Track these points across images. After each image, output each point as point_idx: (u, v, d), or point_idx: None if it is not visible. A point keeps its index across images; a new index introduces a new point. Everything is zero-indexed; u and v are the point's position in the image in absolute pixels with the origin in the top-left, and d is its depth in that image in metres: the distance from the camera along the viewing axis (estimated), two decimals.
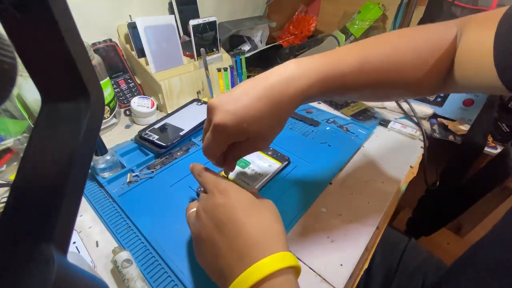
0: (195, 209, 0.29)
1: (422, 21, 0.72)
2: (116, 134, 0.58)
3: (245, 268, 0.21)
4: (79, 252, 0.34)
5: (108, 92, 0.56)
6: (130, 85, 0.67)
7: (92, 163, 0.41)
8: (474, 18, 0.33)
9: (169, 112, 0.61)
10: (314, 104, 0.68)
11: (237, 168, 0.45)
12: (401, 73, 0.33)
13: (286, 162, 0.47)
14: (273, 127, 0.30)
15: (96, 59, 0.53)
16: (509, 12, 0.28)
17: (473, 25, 0.32)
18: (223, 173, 0.44)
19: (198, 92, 0.68)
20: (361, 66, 0.31)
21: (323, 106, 0.68)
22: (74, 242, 0.35)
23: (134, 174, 0.45)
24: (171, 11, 0.71)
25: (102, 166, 0.43)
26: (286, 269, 0.21)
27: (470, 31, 0.32)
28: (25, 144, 0.17)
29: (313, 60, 0.30)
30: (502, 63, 0.28)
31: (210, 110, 0.28)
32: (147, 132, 0.52)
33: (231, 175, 0.44)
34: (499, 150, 0.61)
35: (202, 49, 0.60)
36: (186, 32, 0.71)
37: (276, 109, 0.28)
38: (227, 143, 0.29)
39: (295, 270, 0.23)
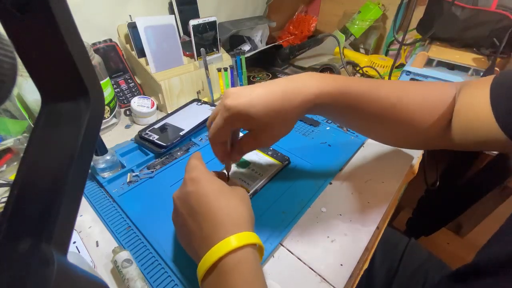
0: None
1: (422, 21, 0.72)
2: (116, 134, 0.58)
3: (210, 248, 0.24)
4: (79, 252, 0.34)
5: (108, 92, 0.56)
6: (130, 85, 0.67)
7: (92, 163, 0.41)
8: (470, 82, 0.37)
9: (169, 112, 0.61)
10: None
11: (237, 168, 0.45)
12: (408, 112, 0.36)
13: (286, 162, 0.47)
14: (279, 123, 0.31)
15: (96, 59, 0.53)
16: (498, 75, 0.33)
17: (469, 86, 0.36)
18: (224, 170, 0.44)
19: (198, 92, 0.68)
20: (372, 91, 0.35)
21: None
22: (74, 242, 0.35)
23: (134, 174, 0.45)
24: (171, 11, 0.71)
25: (102, 166, 0.43)
26: (246, 245, 0.24)
27: (466, 90, 0.36)
28: (25, 144, 0.17)
29: (329, 76, 0.33)
30: (498, 110, 0.31)
31: (225, 95, 0.30)
32: (147, 132, 0.52)
33: (232, 175, 0.44)
34: None
35: (202, 49, 0.60)
36: (186, 32, 0.71)
37: (285, 105, 0.30)
38: (231, 126, 0.30)
39: (258, 248, 0.26)
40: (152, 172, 0.46)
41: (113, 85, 0.61)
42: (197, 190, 0.27)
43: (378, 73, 0.76)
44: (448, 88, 0.37)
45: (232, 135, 0.34)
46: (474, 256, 0.36)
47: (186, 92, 0.65)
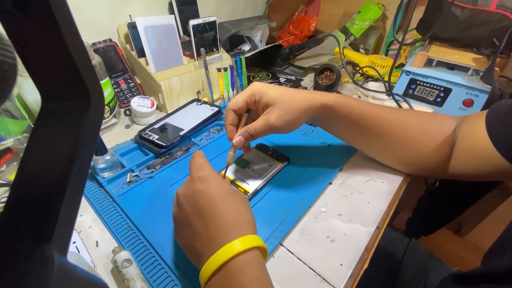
0: None
1: (422, 21, 0.72)
2: (116, 134, 0.58)
3: (218, 248, 0.24)
4: (79, 252, 0.34)
5: (108, 92, 0.56)
6: (130, 85, 0.66)
7: (92, 163, 0.41)
8: (468, 116, 0.40)
9: (169, 112, 0.61)
10: None
11: (237, 168, 0.45)
12: (408, 133, 0.39)
13: (286, 162, 0.47)
14: (286, 103, 0.36)
15: (96, 59, 0.53)
16: (492, 106, 0.37)
17: (468, 119, 0.39)
18: (226, 174, 0.44)
19: (198, 92, 0.68)
20: (373, 108, 0.39)
21: None
22: (74, 242, 0.35)
23: (134, 174, 0.45)
24: (171, 11, 0.71)
25: (102, 166, 0.43)
26: (252, 248, 0.25)
27: (466, 122, 0.39)
28: (25, 144, 0.17)
29: (334, 94, 0.40)
30: (497, 138, 0.33)
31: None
32: (147, 132, 0.52)
33: (231, 175, 0.44)
34: None
35: (202, 49, 0.60)
36: (186, 32, 0.71)
37: (293, 92, 0.37)
38: (247, 96, 0.37)
39: (261, 250, 0.26)
40: (152, 172, 0.46)
41: (113, 85, 0.61)
42: (206, 189, 0.27)
43: (378, 73, 0.76)
44: (448, 121, 0.40)
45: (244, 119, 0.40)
46: (481, 262, 0.36)
47: (186, 92, 0.65)
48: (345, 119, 0.39)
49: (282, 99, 0.36)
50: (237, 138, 0.38)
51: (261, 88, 0.37)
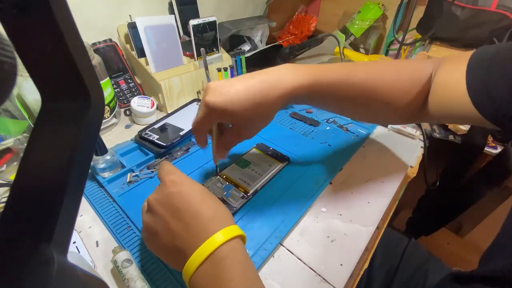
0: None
1: (422, 21, 0.72)
2: (116, 134, 0.58)
3: (203, 242, 0.25)
4: (79, 252, 0.34)
5: (108, 92, 0.56)
6: (130, 85, 0.67)
7: (92, 163, 0.41)
8: (447, 58, 0.37)
9: (169, 112, 0.61)
10: None
11: (237, 168, 0.45)
12: (384, 93, 0.36)
13: (286, 162, 0.47)
14: (257, 118, 0.33)
15: (96, 59, 0.53)
16: (477, 51, 0.33)
17: (446, 63, 0.36)
18: (219, 173, 0.43)
19: (198, 92, 0.68)
20: (348, 78, 0.35)
21: None
22: (74, 242, 0.35)
23: (134, 174, 0.45)
24: (171, 11, 0.71)
25: (102, 166, 0.43)
26: (234, 237, 0.26)
27: (444, 67, 0.36)
28: (25, 144, 0.17)
29: (306, 67, 0.33)
30: (475, 90, 0.31)
31: (206, 91, 0.31)
32: (147, 132, 0.52)
33: (232, 175, 0.44)
34: (499, 150, 0.61)
35: (202, 49, 0.60)
36: (186, 32, 0.71)
37: (263, 100, 0.31)
38: (212, 121, 0.33)
39: (242, 238, 0.28)
40: (152, 172, 0.46)
41: (113, 85, 0.61)
42: (181, 190, 0.28)
43: None
44: (423, 67, 0.38)
45: (220, 126, 0.37)
46: (478, 263, 0.36)
47: (186, 92, 0.65)
48: (318, 99, 0.36)
49: (250, 117, 0.31)
50: (216, 158, 0.39)
51: (221, 109, 0.30)
